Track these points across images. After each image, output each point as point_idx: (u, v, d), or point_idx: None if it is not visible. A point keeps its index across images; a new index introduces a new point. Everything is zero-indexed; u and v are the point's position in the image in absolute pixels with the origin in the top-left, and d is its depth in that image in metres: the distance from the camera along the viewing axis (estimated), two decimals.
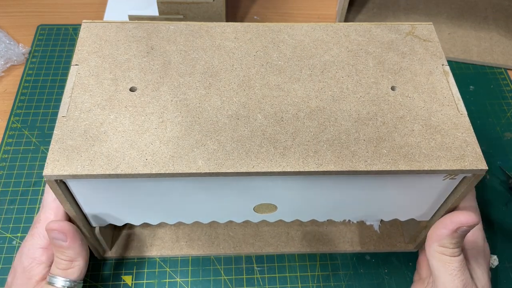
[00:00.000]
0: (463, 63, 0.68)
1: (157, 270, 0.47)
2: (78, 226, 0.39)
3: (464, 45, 0.69)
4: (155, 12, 0.64)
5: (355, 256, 0.49)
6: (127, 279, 0.46)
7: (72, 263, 0.37)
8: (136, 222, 0.41)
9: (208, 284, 0.47)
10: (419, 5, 0.74)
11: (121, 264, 0.47)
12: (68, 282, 0.37)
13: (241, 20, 0.73)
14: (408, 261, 0.49)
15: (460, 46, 0.69)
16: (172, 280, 0.47)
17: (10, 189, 0.53)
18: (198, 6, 0.63)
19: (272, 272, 0.48)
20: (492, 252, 0.49)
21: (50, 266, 0.38)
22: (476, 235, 0.40)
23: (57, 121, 0.35)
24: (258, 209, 0.40)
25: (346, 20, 0.71)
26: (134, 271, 0.47)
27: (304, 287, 0.47)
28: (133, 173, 0.33)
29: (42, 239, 0.39)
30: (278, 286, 0.47)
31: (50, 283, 0.37)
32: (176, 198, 0.38)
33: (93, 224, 0.41)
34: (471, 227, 0.36)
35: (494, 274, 0.48)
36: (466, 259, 0.39)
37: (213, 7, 0.63)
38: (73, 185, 0.35)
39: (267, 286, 0.47)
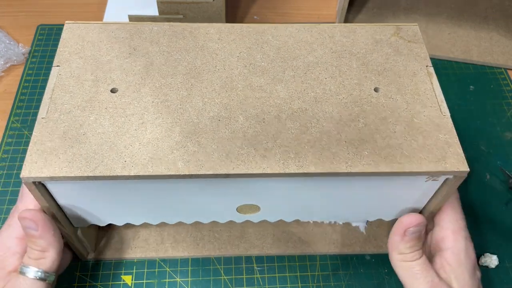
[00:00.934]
0: (463, 63, 0.68)
1: (157, 270, 0.47)
2: (60, 226, 0.39)
3: (464, 45, 0.69)
4: (155, 12, 0.64)
5: (355, 256, 0.49)
6: (127, 279, 0.46)
7: (43, 253, 0.36)
8: (118, 222, 0.41)
9: (208, 284, 0.47)
10: (419, 5, 0.74)
11: (121, 264, 0.47)
12: (40, 273, 0.36)
13: (241, 20, 0.73)
14: None
15: (460, 46, 0.69)
16: (172, 280, 0.47)
17: (10, 189, 0.53)
18: (198, 6, 0.62)
19: (272, 272, 0.48)
20: (492, 252, 0.49)
21: None
22: (445, 235, 0.40)
23: (36, 123, 0.35)
24: (241, 209, 0.40)
25: (346, 20, 0.71)
26: (134, 271, 0.47)
27: (304, 287, 0.47)
28: (111, 175, 0.33)
29: (18, 229, 0.38)
30: (278, 286, 0.47)
31: (22, 273, 0.36)
32: (157, 199, 0.38)
33: (75, 224, 0.40)
34: (418, 226, 0.37)
35: (494, 274, 0.48)
36: (436, 262, 0.39)
37: (213, 7, 0.63)
38: (52, 187, 0.35)
39: (267, 286, 0.47)
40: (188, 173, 0.33)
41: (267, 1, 0.76)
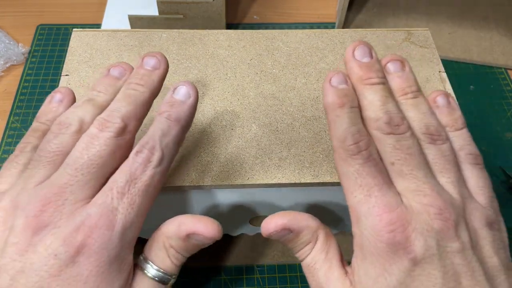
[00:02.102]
0: (463, 63, 0.67)
1: None
2: None
3: (464, 45, 0.68)
4: (155, 12, 0.63)
5: None
6: None
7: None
8: None
9: (208, 284, 0.46)
10: (419, 5, 0.74)
11: None
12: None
13: (241, 19, 0.72)
14: None
15: (460, 46, 0.68)
16: None
17: None
18: (198, 6, 0.62)
19: (272, 272, 0.47)
20: None
21: None
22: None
23: None
24: (254, 221, 0.39)
25: (346, 19, 0.70)
26: None
27: (304, 287, 0.46)
28: None
29: None
30: (278, 286, 0.46)
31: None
32: (168, 211, 0.37)
33: None
34: (280, 232, 0.29)
35: None
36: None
37: (213, 7, 0.62)
38: None
39: (267, 286, 0.46)
40: (202, 184, 0.33)
41: (267, 1, 0.75)
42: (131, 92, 0.28)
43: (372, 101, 0.28)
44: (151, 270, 0.27)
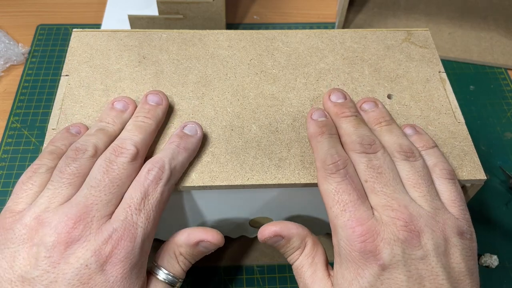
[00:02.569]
0: (463, 63, 0.67)
1: None
2: None
3: (464, 45, 0.68)
4: (155, 12, 0.63)
5: None
6: None
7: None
8: None
9: (208, 284, 0.46)
10: (419, 5, 0.74)
11: None
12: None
13: (241, 19, 0.72)
14: None
15: (460, 46, 0.68)
16: None
17: (10, 189, 0.52)
18: (198, 6, 0.62)
19: (272, 272, 0.47)
20: (492, 252, 0.49)
21: None
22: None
23: (46, 134, 0.34)
24: (254, 223, 0.39)
25: (346, 19, 0.70)
26: None
27: None
28: None
29: None
30: (278, 286, 0.46)
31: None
32: (168, 213, 0.37)
33: None
34: (272, 239, 0.33)
35: (495, 274, 0.48)
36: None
37: (213, 7, 0.63)
38: None
39: (267, 286, 0.46)
40: (202, 185, 0.33)
41: (267, 1, 0.75)
42: (141, 124, 0.33)
43: (346, 128, 0.33)
44: (162, 274, 0.32)
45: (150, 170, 0.30)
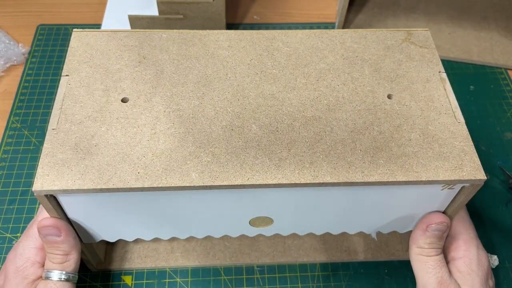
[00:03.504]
0: (463, 63, 0.67)
1: (156, 270, 0.47)
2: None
3: (464, 45, 0.69)
4: (155, 12, 0.63)
5: None
6: (127, 279, 0.46)
7: (67, 256, 0.37)
8: (128, 238, 0.40)
9: (208, 284, 0.46)
10: (419, 5, 0.74)
11: None
12: (64, 275, 0.37)
13: (241, 20, 0.72)
14: (408, 261, 0.48)
15: (460, 46, 0.68)
16: (172, 280, 0.46)
17: (10, 189, 0.52)
18: (198, 6, 0.62)
19: (272, 272, 0.47)
20: (492, 252, 0.49)
21: (43, 266, 0.38)
22: (457, 245, 0.41)
23: (46, 134, 0.34)
24: (254, 222, 0.39)
25: (346, 19, 0.71)
26: (134, 271, 0.47)
27: (304, 287, 0.46)
28: (124, 187, 0.32)
29: (36, 240, 0.39)
30: (278, 286, 0.46)
31: (47, 278, 0.37)
32: (169, 213, 0.37)
33: (84, 240, 0.40)
34: (440, 225, 0.38)
35: (494, 274, 0.48)
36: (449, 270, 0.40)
37: (213, 7, 0.63)
38: (63, 200, 0.34)
39: (267, 286, 0.46)
40: (202, 184, 0.33)
41: (267, 1, 0.75)
42: None
43: None
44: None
45: None
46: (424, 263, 0.39)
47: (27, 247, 0.39)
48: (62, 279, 0.37)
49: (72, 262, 0.38)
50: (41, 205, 0.39)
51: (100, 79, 0.38)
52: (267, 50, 0.41)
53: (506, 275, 0.48)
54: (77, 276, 0.39)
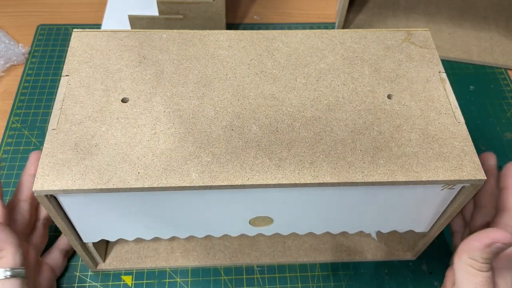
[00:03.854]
0: (463, 63, 0.67)
1: (156, 270, 0.47)
2: (70, 239, 0.38)
3: (464, 45, 0.69)
4: (155, 12, 0.63)
5: None
6: (127, 279, 0.46)
7: (1, 252, 0.36)
8: (128, 237, 0.40)
9: (208, 284, 0.46)
10: (419, 5, 0.74)
11: None
12: (7, 271, 0.36)
13: (241, 20, 0.73)
14: (408, 261, 0.49)
15: (460, 46, 0.68)
16: (172, 280, 0.46)
17: (10, 189, 0.52)
18: (198, 6, 0.62)
19: (272, 272, 0.47)
20: None
21: None
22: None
23: (47, 134, 0.35)
24: (253, 222, 0.39)
25: (346, 19, 0.71)
26: (134, 271, 0.47)
27: (304, 287, 0.46)
28: (125, 187, 0.32)
29: None
30: (278, 286, 0.47)
31: None
32: (169, 212, 0.37)
33: (84, 240, 0.40)
34: (506, 245, 0.35)
35: None
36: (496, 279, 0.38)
37: (213, 7, 0.63)
38: (63, 200, 0.34)
39: (267, 286, 0.46)
40: (202, 184, 0.33)
41: (267, 1, 0.75)
42: None
43: None
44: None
45: None
46: (474, 277, 0.36)
47: None
48: (8, 276, 0.36)
49: (8, 257, 0.36)
50: None
51: (100, 79, 0.38)
52: (267, 50, 0.41)
53: None
54: (23, 270, 0.37)
